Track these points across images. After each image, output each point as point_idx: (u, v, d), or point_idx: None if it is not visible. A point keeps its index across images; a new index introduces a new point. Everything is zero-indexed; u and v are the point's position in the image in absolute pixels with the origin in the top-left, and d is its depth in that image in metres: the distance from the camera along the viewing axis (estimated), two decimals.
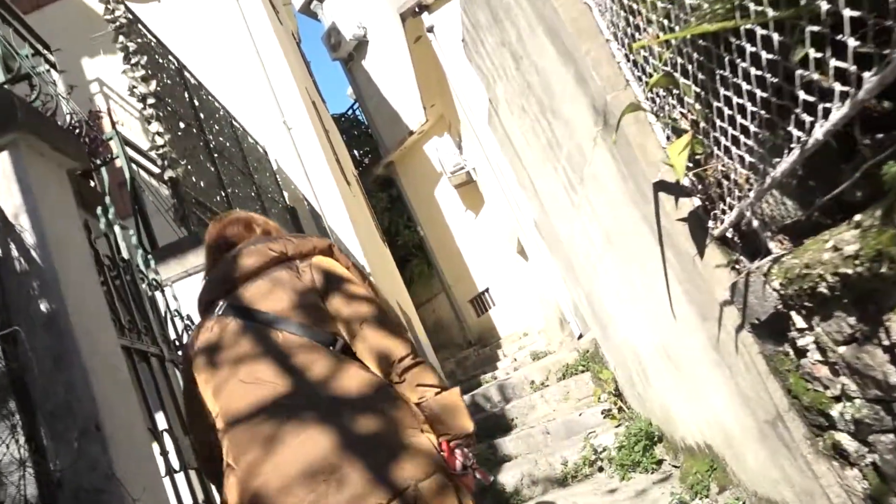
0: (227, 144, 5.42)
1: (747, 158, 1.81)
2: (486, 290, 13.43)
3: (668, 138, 2.31)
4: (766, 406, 2.20)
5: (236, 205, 4.91)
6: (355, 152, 14.95)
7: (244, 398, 1.73)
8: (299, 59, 10.66)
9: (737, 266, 2.21)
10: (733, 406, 2.52)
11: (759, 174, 1.78)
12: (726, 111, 1.82)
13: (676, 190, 2.29)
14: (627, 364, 4.07)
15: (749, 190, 1.90)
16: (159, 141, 3.85)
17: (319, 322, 1.79)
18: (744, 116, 1.75)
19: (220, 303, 1.89)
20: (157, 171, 4.40)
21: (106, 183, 4.52)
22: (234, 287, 1.89)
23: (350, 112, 15.55)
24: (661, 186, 2.34)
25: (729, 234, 2.18)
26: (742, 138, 1.80)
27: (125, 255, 2.74)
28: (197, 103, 4.99)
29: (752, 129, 1.74)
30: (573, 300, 7.89)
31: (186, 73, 5.03)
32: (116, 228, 2.77)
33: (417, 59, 10.19)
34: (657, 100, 2.26)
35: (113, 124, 6.74)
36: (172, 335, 2.95)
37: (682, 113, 2.12)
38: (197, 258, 3.36)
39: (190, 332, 3.02)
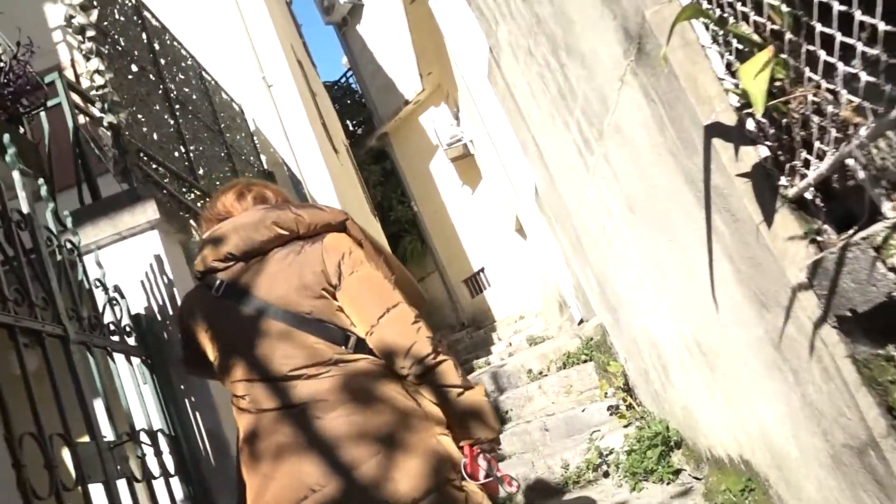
0: (194, 97, 4.82)
1: (864, 78, 1.24)
2: (482, 269, 12.87)
3: (727, 67, 1.73)
4: (851, 427, 1.64)
5: (200, 163, 4.32)
6: (348, 123, 14.30)
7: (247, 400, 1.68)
8: (286, 15, 9.99)
9: (818, 238, 1.64)
10: (793, 420, 1.97)
11: (883, 101, 1.21)
12: (836, 6, 1.25)
13: (738, 135, 1.71)
14: (642, 357, 3.51)
15: (858, 126, 1.33)
16: (98, 80, 3.26)
17: (330, 315, 1.65)
18: (869, 11, 1.18)
19: (219, 278, 1.73)
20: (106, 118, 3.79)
21: (46, 131, 3.92)
22: (235, 262, 1.73)
23: (343, 80, 14.86)
24: (715, 131, 1.76)
25: (809, 195, 1.61)
26: (860, 46, 1.23)
27: (25, 208, 2.16)
28: (157, 47, 4.38)
29: (882, 27, 1.17)
30: (576, 282, 7.33)
31: (146, 13, 4.41)
32: (15, 175, 2.18)
33: (414, 21, 9.55)
34: (716, 12, 1.68)
35: (76, 77, 6.11)
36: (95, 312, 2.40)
37: (756, 23, 1.54)
38: (133, 218, 2.78)
39: (116, 303, 2.47)
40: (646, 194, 2.41)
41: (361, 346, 1.65)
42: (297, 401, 1.59)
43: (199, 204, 4.03)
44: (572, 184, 3.47)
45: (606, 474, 3.82)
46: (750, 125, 1.68)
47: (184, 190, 3.91)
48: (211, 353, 1.77)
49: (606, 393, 4.31)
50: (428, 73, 11.25)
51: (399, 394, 1.62)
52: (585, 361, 5.37)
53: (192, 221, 3.83)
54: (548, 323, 9.78)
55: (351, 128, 14.37)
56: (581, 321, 7.79)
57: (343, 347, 1.63)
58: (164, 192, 3.60)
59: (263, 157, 6.17)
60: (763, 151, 1.67)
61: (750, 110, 1.67)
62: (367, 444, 1.53)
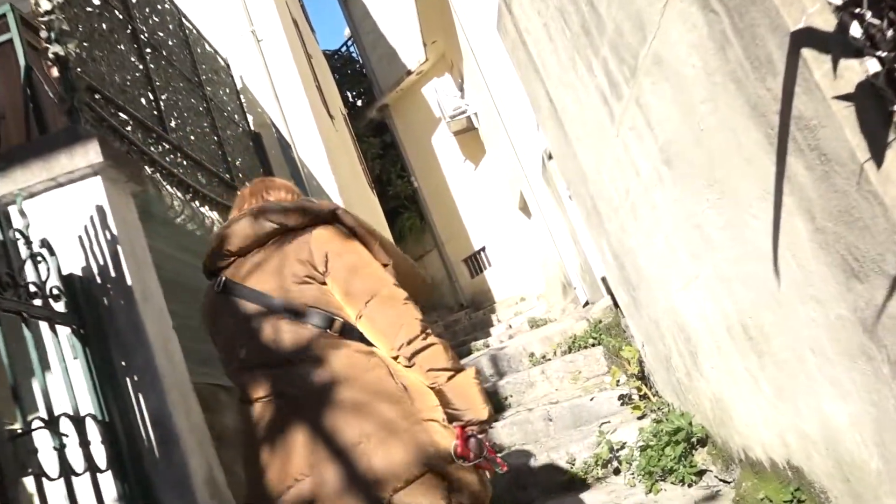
0: (171, 43, 4.35)
1: None
2: (483, 249, 12.43)
3: None
4: None
5: (171, 114, 3.87)
6: (348, 94, 13.78)
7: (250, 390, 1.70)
8: None
9: None
10: (880, 423, 1.54)
11: None
12: None
13: (837, 44, 1.27)
14: (664, 341, 3.08)
15: None
16: (45, 5, 2.80)
17: (317, 301, 1.69)
18: None
19: (221, 275, 1.81)
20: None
21: None
22: (233, 259, 1.82)
23: (344, 49, 14.31)
24: (805, 39, 1.32)
25: None
26: None
27: None
28: None
29: None
30: (582, 262, 6.91)
31: None
32: None
33: None
34: None
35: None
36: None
37: None
38: (72, 161, 2.35)
39: (42, 260, 2.04)
40: (690, 140, 1.96)
41: (349, 330, 1.67)
42: (290, 388, 1.63)
43: (167, 158, 3.59)
44: (591, 141, 3.03)
45: (617, 471, 3.40)
46: (855, 29, 1.23)
47: (150, 141, 3.46)
48: (220, 345, 1.82)
49: (618, 381, 3.89)
50: (432, 42, 10.73)
51: (388, 383, 1.62)
52: (593, 345, 4.95)
53: (159, 177, 3.40)
54: (550, 305, 9.37)
55: (351, 99, 13.85)
56: (587, 303, 7.37)
57: (329, 331, 1.66)
58: (125, 140, 3.16)
59: (251, 117, 5.71)
60: (873, 65, 1.23)
61: (858, 9, 1.22)
62: (353, 434, 1.55)
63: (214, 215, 4.18)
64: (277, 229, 1.77)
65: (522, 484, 3.51)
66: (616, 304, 4.81)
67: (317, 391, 1.60)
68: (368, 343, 1.67)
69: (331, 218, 1.81)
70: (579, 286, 7.53)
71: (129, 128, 3.24)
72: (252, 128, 5.63)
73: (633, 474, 3.25)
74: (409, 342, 1.63)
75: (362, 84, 13.77)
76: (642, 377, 3.72)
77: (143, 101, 3.54)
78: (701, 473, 2.95)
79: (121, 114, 3.21)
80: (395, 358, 1.64)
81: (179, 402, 2.26)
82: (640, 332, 3.58)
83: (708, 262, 2.20)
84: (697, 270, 2.33)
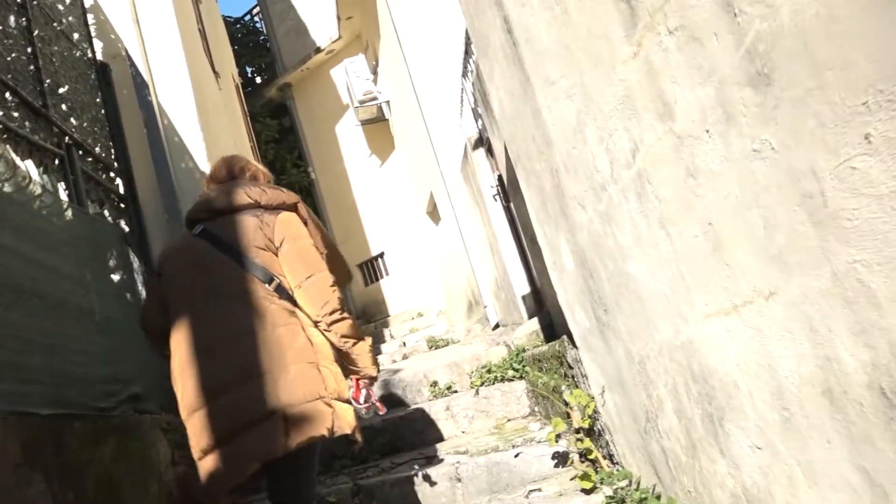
0: None
1: None
2: (381, 255, 11.28)
3: None
4: None
5: None
6: (247, 68, 12.35)
7: (193, 307, 2.26)
8: None
9: None
10: None
11: None
12: None
13: None
14: (652, 391, 2.08)
15: None
16: None
17: (265, 264, 2.23)
18: None
19: (199, 225, 2.34)
20: None
21: None
22: (212, 216, 2.34)
23: (248, 18, 12.86)
24: None
25: None
26: None
27: None
28: None
29: None
30: (498, 277, 5.92)
31: None
32: None
33: None
34: None
35: None
36: None
37: None
38: None
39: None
40: (848, 12, 0.95)
41: (281, 290, 2.23)
42: (230, 315, 2.20)
43: None
44: (574, 81, 2.00)
45: None
46: None
47: None
48: (176, 275, 2.33)
49: (558, 436, 2.86)
50: (348, 18, 9.58)
51: (299, 336, 2.18)
52: (513, 379, 3.94)
53: None
54: (452, 324, 8.37)
55: (250, 74, 12.43)
56: (497, 326, 6.40)
57: (268, 286, 2.21)
58: None
59: (99, 44, 4.38)
60: None
61: None
62: (269, 360, 2.12)
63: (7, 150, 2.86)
64: (253, 203, 2.33)
65: None
66: (552, 331, 3.82)
67: (245, 325, 2.16)
68: (294, 304, 2.23)
69: (293, 207, 2.40)
70: (490, 305, 6.54)
71: None
72: (99, 56, 4.29)
73: None
74: (331, 314, 2.24)
75: (264, 59, 12.37)
76: (591, 433, 2.71)
77: None
78: None
79: None
80: (317, 323, 2.24)
81: None
82: (601, 373, 2.56)
83: (821, 267, 1.19)
84: (776, 282, 1.32)
